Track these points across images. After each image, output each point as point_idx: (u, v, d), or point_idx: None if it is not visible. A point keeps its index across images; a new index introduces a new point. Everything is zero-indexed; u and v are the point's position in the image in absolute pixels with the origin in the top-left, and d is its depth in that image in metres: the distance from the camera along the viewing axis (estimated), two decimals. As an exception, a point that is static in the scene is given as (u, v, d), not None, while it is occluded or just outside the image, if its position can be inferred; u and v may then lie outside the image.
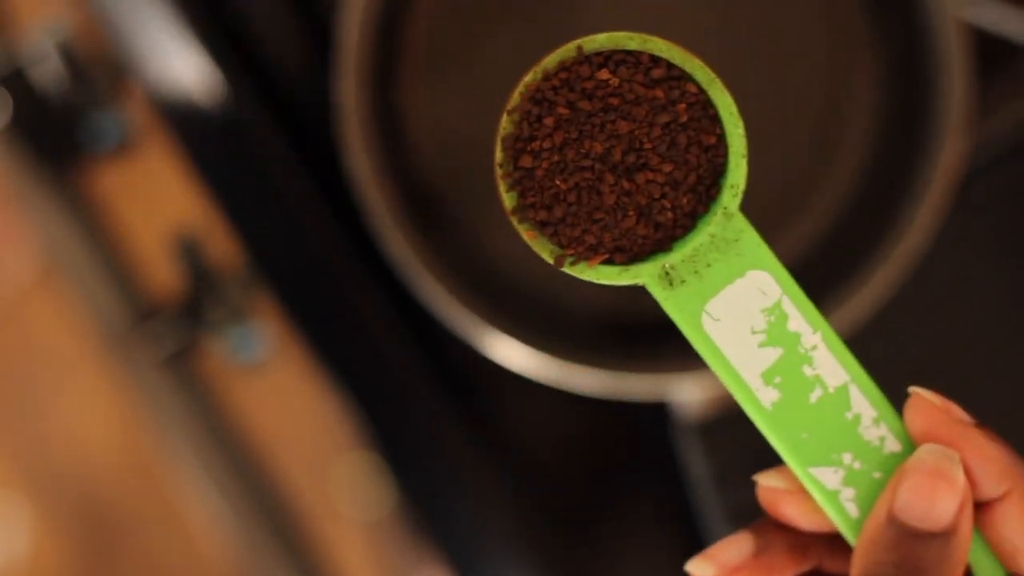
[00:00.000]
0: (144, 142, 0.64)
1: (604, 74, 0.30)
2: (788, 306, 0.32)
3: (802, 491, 0.33)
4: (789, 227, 0.50)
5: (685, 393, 0.50)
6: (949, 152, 0.46)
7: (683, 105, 0.31)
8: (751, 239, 0.31)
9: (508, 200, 0.31)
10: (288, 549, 0.68)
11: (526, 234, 0.31)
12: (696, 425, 0.50)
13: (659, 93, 0.30)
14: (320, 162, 0.52)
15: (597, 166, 0.31)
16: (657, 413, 0.52)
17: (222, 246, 0.59)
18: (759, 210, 0.47)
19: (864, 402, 0.32)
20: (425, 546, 0.54)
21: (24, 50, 0.61)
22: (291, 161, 0.53)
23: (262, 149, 0.53)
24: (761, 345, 0.31)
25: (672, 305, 0.31)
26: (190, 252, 0.60)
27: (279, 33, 0.54)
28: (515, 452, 0.54)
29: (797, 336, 0.32)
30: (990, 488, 0.31)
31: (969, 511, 0.31)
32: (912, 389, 0.32)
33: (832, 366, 0.32)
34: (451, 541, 0.53)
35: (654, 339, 0.48)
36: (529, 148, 0.31)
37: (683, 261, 0.31)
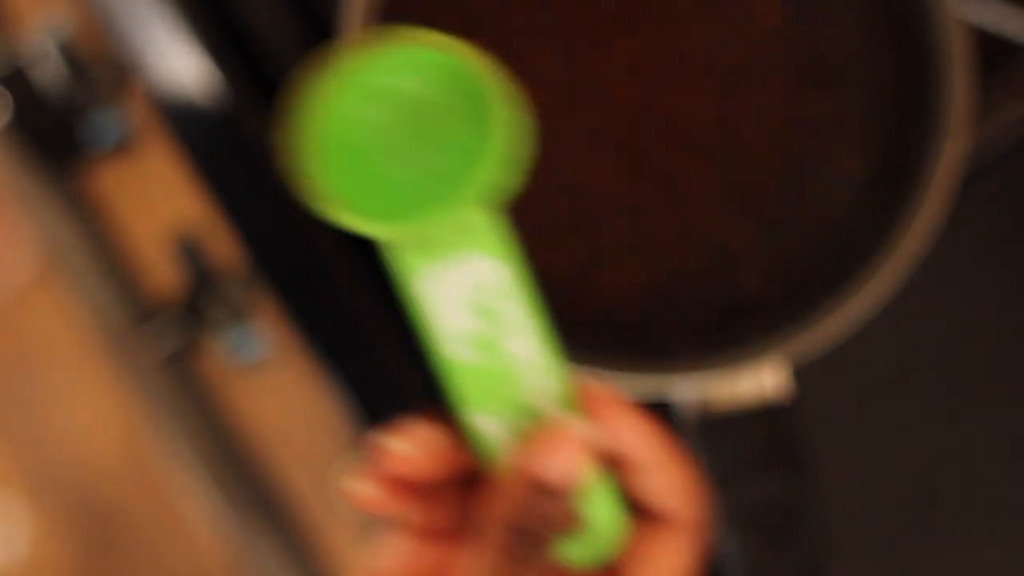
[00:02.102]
0: (144, 142, 0.64)
1: None
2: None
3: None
4: (787, 228, 0.50)
5: (685, 393, 0.50)
6: (950, 152, 0.46)
7: None
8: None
9: None
10: (288, 549, 0.69)
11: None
12: (696, 425, 0.50)
13: None
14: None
15: None
16: (658, 413, 0.52)
17: (222, 246, 0.59)
18: (753, 210, 0.47)
19: (545, 380, 0.34)
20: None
21: (24, 50, 0.61)
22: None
23: (262, 148, 0.53)
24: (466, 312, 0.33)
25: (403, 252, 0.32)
26: (190, 252, 0.61)
27: (279, 31, 0.54)
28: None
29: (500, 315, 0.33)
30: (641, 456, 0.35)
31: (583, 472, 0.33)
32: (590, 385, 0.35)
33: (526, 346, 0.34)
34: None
35: (655, 339, 0.48)
36: None
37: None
